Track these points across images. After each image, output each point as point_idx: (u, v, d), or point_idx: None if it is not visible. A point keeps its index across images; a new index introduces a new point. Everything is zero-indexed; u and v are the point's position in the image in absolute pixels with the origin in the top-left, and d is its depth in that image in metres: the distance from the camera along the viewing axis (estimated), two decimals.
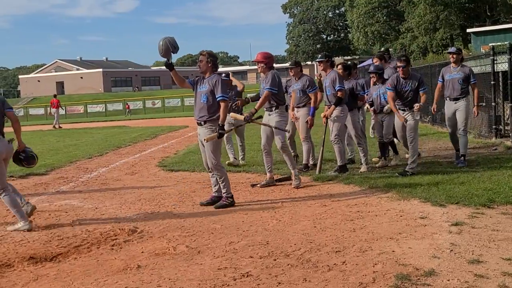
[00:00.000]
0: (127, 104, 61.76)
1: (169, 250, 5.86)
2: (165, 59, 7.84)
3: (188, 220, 7.25)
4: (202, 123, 7.96)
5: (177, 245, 6.02)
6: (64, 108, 48.00)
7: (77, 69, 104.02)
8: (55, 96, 40.51)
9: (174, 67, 7.90)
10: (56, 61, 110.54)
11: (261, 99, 8.92)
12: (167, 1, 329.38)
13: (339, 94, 9.71)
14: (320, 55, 10.21)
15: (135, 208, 8.22)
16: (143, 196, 9.04)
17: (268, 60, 9.07)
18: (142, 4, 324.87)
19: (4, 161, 7.25)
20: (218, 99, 7.78)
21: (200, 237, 6.33)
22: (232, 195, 8.07)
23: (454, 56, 10.37)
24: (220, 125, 7.77)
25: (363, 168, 10.21)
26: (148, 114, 55.69)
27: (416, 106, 9.53)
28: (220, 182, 8.03)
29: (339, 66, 10.52)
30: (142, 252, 5.87)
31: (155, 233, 6.63)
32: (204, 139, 7.87)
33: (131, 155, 15.61)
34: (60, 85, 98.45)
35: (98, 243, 6.28)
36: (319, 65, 10.20)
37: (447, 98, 10.50)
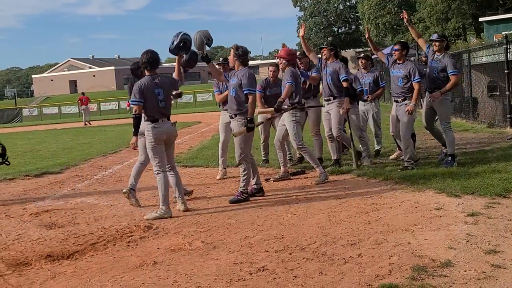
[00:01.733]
0: (128, 102, 61.78)
1: (184, 245, 5.89)
2: (200, 52, 7.98)
3: (203, 215, 7.27)
4: (233, 116, 8.09)
5: (193, 241, 6.04)
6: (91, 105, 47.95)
7: (90, 67, 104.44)
8: (83, 93, 40.91)
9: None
10: (69, 60, 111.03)
11: (285, 92, 8.72)
12: None
13: (344, 84, 9.52)
14: (326, 42, 10.08)
15: (150, 205, 8.25)
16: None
17: (290, 57, 8.99)
18: (153, 1, 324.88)
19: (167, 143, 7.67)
20: (245, 93, 7.85)
21: (215, 232, 6.35)
22: (248, 191, 8.06)
23: (437, 44, 9.42)
24: (248, 118, 7.81)
25: (365, 162, 10.03)
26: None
27: (410, 107, 9.13)
28: (241, 175, 8.08)
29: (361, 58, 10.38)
30: (158, 248, 5.89)
31: (170, 229, 6.65)
32: (233, 134, 8.02)
33: None
34: (73, 84, 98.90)
35: (114, 240, 6.32)
36: (323, 52, 9.86)
37: (427, 91, 9.75)
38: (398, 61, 9.39)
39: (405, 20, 9.57)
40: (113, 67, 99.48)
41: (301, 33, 10.17)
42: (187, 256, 5.54)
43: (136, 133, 7.65)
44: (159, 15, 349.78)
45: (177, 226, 6.78)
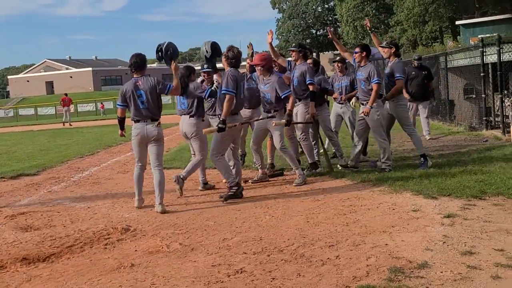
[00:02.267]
0: (101, 103, 61.42)
1: (162, 248, 5.86)
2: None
3: (181, 217, 7.25)
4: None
5: (171, 243, 6.01)
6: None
7: (67, 68, 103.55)
8: (66, 94, 40.63)
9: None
10: (45, 61, 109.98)
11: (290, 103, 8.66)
12: None
13: (310, 87, 9.41)
14: (294, 44, 10.08)
15: (127, 207, 8.20)
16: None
17: (265, 62, 8.86)
18: (131, 2, 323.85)
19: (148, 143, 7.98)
20: (222, 92, 8.02)
21: (193, 234, 6.33)
22: (236, 183, 8.18)
23: (385, 51, 9.78)
24: (221, 119, 7.92)
25: (341, 162, 10.04)
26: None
27: (366, 109, 9.16)
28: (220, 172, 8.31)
29: (308, 61, 10.30)
30: (136, 250, 5.86)
31: (148, 231, 6.62)
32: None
33: (122, 153, 15.58)
34: (50, 85, 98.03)
35: (91, 243, 6.27)
36: (291, 54, 9.76)
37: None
38: (360, 64, 9.46)
39: (367, 28, 9.77)
40: (90, 68, 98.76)
41: (269, 40, 10.08)
42: (165, 258, 5.51)
43: (122, 128, 8.30)
44: (137, 16, 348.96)
45: (155, 228, 6.74)
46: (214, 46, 8.41)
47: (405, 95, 14.44)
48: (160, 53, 8.01)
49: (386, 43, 10.00)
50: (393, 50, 9.71)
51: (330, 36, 10.25)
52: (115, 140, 19.86)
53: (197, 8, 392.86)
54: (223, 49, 8.46)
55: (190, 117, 8.55)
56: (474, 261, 4.71)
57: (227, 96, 7.88)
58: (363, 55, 9.38)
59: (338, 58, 10.96)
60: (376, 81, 9.12)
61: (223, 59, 8.27)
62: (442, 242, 5.30)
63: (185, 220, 7.08)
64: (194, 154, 8.94)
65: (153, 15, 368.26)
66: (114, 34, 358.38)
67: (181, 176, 8.56)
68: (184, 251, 5.69)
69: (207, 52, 8.43)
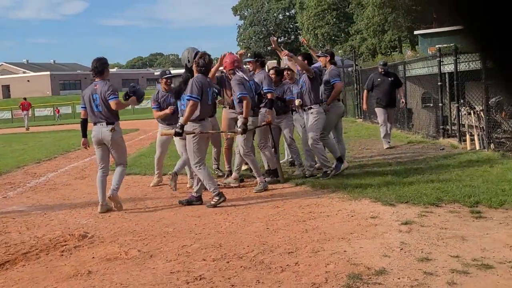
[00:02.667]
0: (57, 108, 60.58)
1: (120, 254, 5.79)
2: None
3: (140, 224, 7.18)
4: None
5: (129, 250, 5.95)
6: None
7: (24, 72, 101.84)
8: (25, 99, 39.96)
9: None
10: (2, 64, 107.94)
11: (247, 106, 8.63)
12: (116, 3, 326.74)
13: (268, 96, 9.39)
14: (249, 55, 10.12)
15: (85, 213, 8.09)
16: (93, 201, 8.90)
17: (225, 65, 8.99)
18: (91, 6, 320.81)
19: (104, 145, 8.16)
20: (186, 99, 8.04)
21: (152, 241, 6.27)
22: (218, 192, 8.01)
23: (321, 59, 10.33)
24: (179, 124, 7.93)
25: (297, 171, 10.13)
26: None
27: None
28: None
29: (271, 71, 10.36)
30: (93, 257, 5.78)
31: (106, 238, 6.54)
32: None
33: (81, 159, 15.37)
34: (6, 89, 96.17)
35: (47, 250, 6.16)
36: (249, 64, 9.84)
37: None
38: (325, 68, 10.08)
39: (304, 44, 10.06)
40: (48, 72, 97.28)
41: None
42: (123, 265, 5.45)
43: (84, 135, 8.54)
44: (96, 20, 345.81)
45: (113, 235, 6.67)
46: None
47: (364, 106, 14.69)
48: (131, 94, 8.57)
49: (322, 52, 10.50)
50: (328, 58, 10.19)
51: (273, 46, 10.28)
52: (73, 145, 19.59)
53: (158, 14, 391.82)
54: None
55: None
56: (430, 268, 4.77)
57: (190, 102, 7.84)
58: (327, 59, 9.91)
59: (286, 66, 11.17)
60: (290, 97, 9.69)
61: (194, 64, 8.15)
62: (399, 249, 5.36)
63: (144, 226, 7.02)
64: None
65: (113, 19, 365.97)
66: (73, 38, 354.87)
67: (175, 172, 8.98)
68: (142, 258, 5.64)
69: (189, 61, 8.38)
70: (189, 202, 8.11)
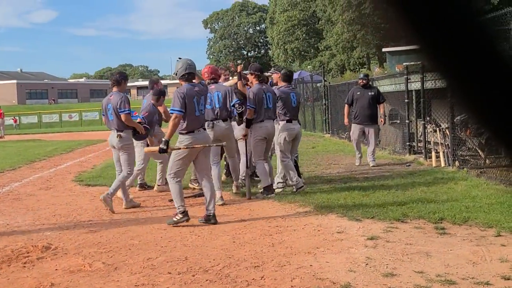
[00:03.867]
0: (14, 118, 59.76)
1: (84, 267, 5.71)
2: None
3: (105, 236, 7.10)
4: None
5: (93, 262, 5.87)
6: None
7: None
8: None
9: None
10: None
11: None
12: (86, 13, 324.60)
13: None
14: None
15: (49, 224, 7.97)
16: (58, 212, 8.79)
17: (206, 75, 9.12)
18: (60, 15, 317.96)
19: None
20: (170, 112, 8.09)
21: (117, 253, 6.20)
22: (184, 210, 7.61)
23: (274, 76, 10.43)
24: (164, 139, 7.60)
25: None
26: (64, 127, 54.25)
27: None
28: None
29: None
30: (56, 269, 5.69)
31: (70, 250, 6.44)
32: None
33: (46, 169, 15.16)
34: None
35: (9, 261, 6.04)
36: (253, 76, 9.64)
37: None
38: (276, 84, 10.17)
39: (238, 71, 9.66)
40: (15, 81, 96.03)
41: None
42: (87, 277, 5.38)
43: None
44: (66, 29, 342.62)
45: (77, 247, 6.57)
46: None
47: (345, 121, 14.44)
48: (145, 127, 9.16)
49: (274, 69, 10.57)
50: (278, 75, 10.10)
51: (238, 69, 9.61)
52: (38, 155, 19.34)
53: (129, 24, 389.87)
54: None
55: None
56: (395, 283, 4.81)
57: (172, 115, 7.50)
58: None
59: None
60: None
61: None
62: (365, 264, 5.39)
63: (109, 238, 6.94)
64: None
65: (83, 29, 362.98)
66: (42, 47, 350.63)
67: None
68: (107, 271, 5.57)
69: (176, 74, 8.13)
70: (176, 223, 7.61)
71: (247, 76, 9.81)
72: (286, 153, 9.60)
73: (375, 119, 13.41)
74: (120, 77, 9.00)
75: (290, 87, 9.89)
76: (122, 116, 8.61)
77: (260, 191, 9.45)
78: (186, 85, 7.65)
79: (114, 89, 8.93)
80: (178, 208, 7.56)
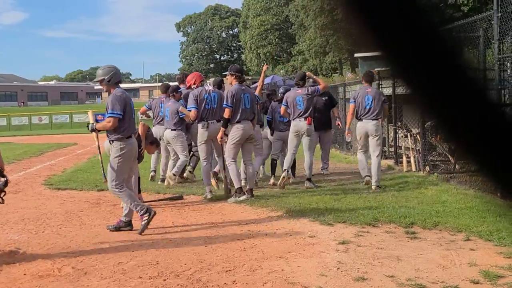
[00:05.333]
0: None
1: (53, 271, 5.63)
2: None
3: (74, 240, 7.01)
4: None
5: (62, 267, 5.80)
6: None
7: None
8: None
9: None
10: None
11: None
12: (57, 15, 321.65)
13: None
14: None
15: (17, 228, 7.85)
16: (27, 216, 8.66)
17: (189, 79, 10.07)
18: (31, 17, 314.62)
19: None
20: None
21: (87, 258, 6.13)
22: (148, 209, 7.40)
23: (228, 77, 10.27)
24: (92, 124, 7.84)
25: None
26: (34, 130, 53.49)
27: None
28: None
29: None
30: (25, 274, 5.60)
31: (39, 254, 6.35)
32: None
33: (14, 172, 14.94)
34: None
35: None
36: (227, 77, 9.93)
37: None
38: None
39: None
40: None
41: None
42: (56, 282, 5.30)
43: None
44: (36, 31, 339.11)
45: (46, 251, 6.48)
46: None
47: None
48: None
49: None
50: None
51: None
52: (7, 158, 19.04)
53: (102, 27, 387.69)
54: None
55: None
56: (366, 287, 4.83)
57: (109, 118, 7.34)
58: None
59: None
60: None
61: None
62: (336, 268, 5.41)
63: (78, 243, 6.86)
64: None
65: (54, 31, 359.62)
66: (11, 49, 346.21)
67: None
68: (76, 275, 5.50)
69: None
70: (117, 228, 7.49)
71: (227, 76, 9.91)
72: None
73: (329, 125, 13.26)
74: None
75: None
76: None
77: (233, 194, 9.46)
78: (121, 89, 7.55)
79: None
80: (140, 211, 7.31)
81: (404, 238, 6.54)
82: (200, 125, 9.63)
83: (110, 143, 7.46)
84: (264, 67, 11.33)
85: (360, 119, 10.54)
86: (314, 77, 11.90)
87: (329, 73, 55.72)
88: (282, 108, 10.73)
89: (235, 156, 9.50)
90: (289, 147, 10.67)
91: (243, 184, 9.60)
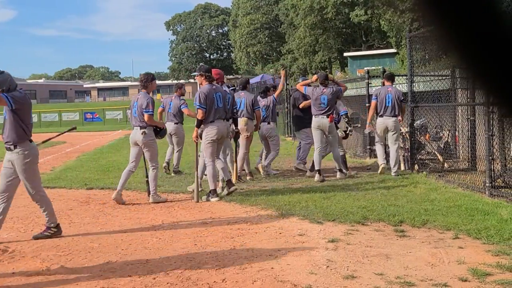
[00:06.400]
0: None
1: (42, 270, 5.62)
2: None
3: (64, 239, 6.99)
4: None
5: (52, 265, 5.78)
6: None
7: None
8: None
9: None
10: None
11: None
12: (47, 13, 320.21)
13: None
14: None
15: (6, 227, 7.78)
16: (15, 214, 8.61)
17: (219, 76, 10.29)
18: (20, 15, 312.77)
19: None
20: None
21: (76, 256, 6.12)
22: (56, 225, 7.13)
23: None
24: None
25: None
26: None
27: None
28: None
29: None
30: (13, 273, 5.58)
31: (28, 253, 6.32)
32: None
33: None
34: None
35: None
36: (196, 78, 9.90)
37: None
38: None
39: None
40: None
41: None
42: (45, 281, 5.29)
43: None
44: (26, 30, 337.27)
45: (35, 250, 6.46)
46: None
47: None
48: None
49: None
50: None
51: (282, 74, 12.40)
52: None
53: (91, 25, 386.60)
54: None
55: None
56: (355, 285, 4.85)
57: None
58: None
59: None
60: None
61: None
62: (325, 266, 5.42)
63: (68, 241, 6.84)
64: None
65: (43, 29, 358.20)
66: (0, 47, 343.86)
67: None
68: (65, 274, 5.48)
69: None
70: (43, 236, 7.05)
71: (196, 77, 9.87)
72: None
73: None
74: (145, 79, 9.53)
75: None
76: (146, 116, 9.20)
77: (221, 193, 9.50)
78: (18, 92, 7.09)
79: (143, 90, 9.54)
80: (51, 223, 7.06)
81: (393, 236, 6.57)
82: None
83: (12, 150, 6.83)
84: (282, 73, 13.74)
85: (381, 116, 11.73)
86: (335, 79, 13.20)
87: (318, 72, 55.72)
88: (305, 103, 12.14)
89: (212, 156, 9.48)
90: (315, 142, 11.50)
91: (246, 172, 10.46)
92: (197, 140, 9.68)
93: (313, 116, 11.41)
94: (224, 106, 9.57)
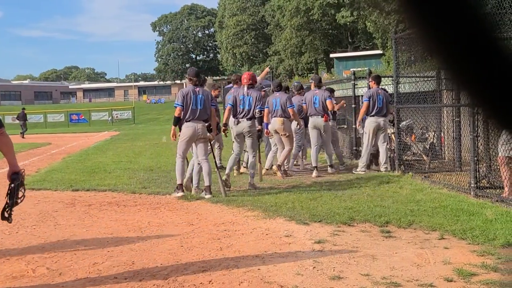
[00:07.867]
0: None
1: (28, 272, 5.58)
2: None
3: (49, 240, 6.94)
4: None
5: (37, 267, 5.74)
6: None
7: None
8: None
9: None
10: None
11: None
12: (33, 14, 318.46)
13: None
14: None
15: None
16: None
17: (245, 81, 10.75)
18: (5, 15, 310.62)
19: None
20: None
21: (62, 258, 6.08)
22: None
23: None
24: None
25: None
26: (8, 130, 52.47)
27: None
28: None
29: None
30: None
31: (12, 255, 6.28)
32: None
33: None
34: None
35: None
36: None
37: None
38: None
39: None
40: None
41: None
42: (30, 283, 5.25)
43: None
44: (11, 30, 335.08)
45: (20, 252, 6.41)
46: None
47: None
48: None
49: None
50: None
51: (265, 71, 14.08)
52: None
53: (77, 26, 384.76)
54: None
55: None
56: (342, 286, 4.86)
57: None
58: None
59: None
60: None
61: None
62: (312, 267, 5.43)
63: (53, 243, 6.80)
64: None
65: (29, 30, 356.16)
66: None
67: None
68: (51, 276, 5.45)
69: None
70: None
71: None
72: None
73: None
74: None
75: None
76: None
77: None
78: None
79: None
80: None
81: (379, 237, 6.59)
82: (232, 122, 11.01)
83: None
84: (266, 69, 14.76)
85: (372, 115, 12.30)
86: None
87: (304, 73, 55.89)
88: (304, 106, 12.93)
89: (183, 153, 9.85)
90: (312, 141, 12.66)
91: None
92: (174, 138, 9.98)
93: (309, 117, 12.63)
94: (204, 108, 9.77)
